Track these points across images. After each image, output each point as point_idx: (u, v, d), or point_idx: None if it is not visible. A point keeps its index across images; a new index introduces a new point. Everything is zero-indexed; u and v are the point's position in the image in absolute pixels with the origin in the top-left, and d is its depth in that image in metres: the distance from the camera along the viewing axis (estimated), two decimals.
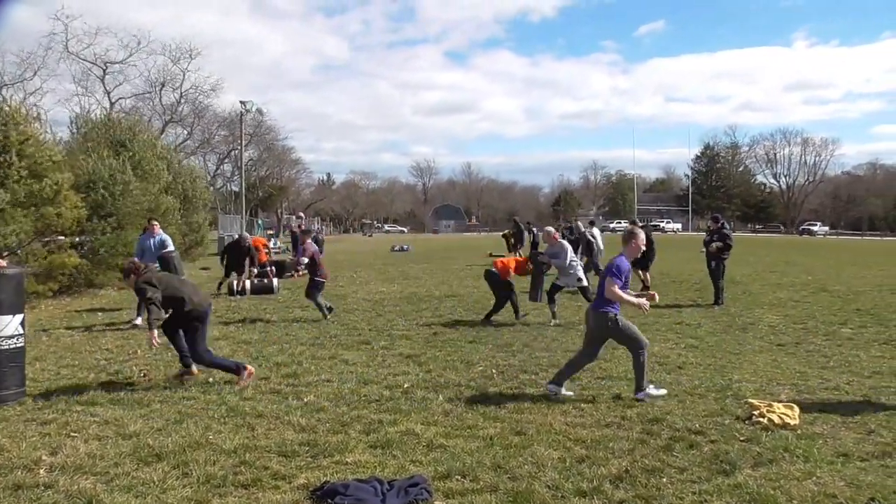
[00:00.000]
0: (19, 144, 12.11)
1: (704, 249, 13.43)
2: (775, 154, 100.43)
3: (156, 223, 11.83)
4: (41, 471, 4.19)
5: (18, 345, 6.05)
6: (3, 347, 5.90)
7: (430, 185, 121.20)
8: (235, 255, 14.67)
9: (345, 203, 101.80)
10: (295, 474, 4.15)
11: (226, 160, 62.78)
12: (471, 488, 3.96)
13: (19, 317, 6.07)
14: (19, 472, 4.17)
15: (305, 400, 5.90)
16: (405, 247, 37.13)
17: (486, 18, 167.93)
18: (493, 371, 7.15)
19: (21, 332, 6.08)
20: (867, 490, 4.00)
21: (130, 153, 16.99)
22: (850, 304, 12.84)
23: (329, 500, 3.68)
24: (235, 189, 64.01)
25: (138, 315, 10.29)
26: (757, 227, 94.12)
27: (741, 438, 4.96)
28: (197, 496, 3.81)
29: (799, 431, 5.12)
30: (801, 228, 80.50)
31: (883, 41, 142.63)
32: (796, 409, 5.56)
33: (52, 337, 9.49)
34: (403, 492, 3.73)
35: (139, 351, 8.31)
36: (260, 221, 61.62)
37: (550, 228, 11.66)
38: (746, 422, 5.34)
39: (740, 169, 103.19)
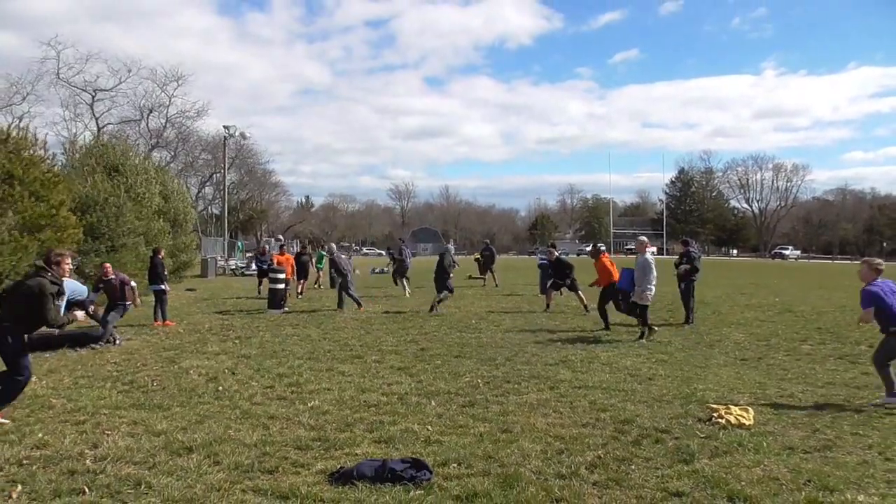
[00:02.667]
0: (23, 170, 12.58)
1: (676, 272, 14.21)
2: (748, 179, 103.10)
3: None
4: (87, 461, 4.75)
5: None
6: None
7: (409, 207, 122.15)
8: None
9: (323, 225, 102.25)
10: (312, 463, 4.76)
11: (207, 183, 63.19)
12: (466, 473, 4.59)
13: None
14: (68, 462, 4.73)
15: (311, 404, 6.49)
16: (385, 269, 37.57)
17: (464, 45, 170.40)
18: (479, 381, 7.77)
19: None
20: (805, 475, 4.68)
21: (124, 177, 17.45)
22: (812, 324, 13.66)
23: (343, 482, 4.29)
24: (216, 212, 64.37)
25: None
26: (732, 251, 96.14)
27: (701, 436, 5.63)
28: (230, 479, 4.41)
29: (753, 430, 5.80)
30: (773, 252, 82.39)
31: (848, 71, 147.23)
32: (751, 411, 6.26)
33: (58, 352, 9.93)
34: (406, 463, 4.40)
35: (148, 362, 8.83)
36: (240, 243, 61.75)
37: (643, 238, 12.37)
38: (707, 422, 6.01)
39: (714, 194, 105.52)
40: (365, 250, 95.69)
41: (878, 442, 5.51)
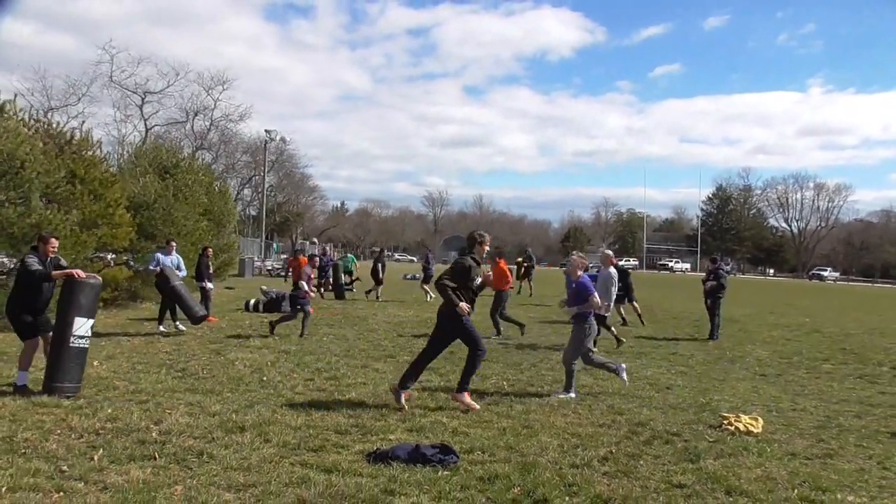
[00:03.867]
0: (85, 170, 13.46)
1: (704, 288, 14.52)
2: (787, 198, 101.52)
3: (174, 243, 13.28)
4: (153, 433, 5.37)
5: (84, 346, 6.87)
6: (73, 345, 6.71)
7: (442, 215, 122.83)
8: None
9: (357, 230, 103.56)
10: (351, 445, 5.32)
11: (247, 185, 64.64)
12: (489, 460, 5.10)
13: (91, 321, 6.96)
14: (137, 434, 5.36)
15: (348, 396, 7.06)
16: (417, 275, 38.22)
17: (505, 56, 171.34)
18: (505, 383, 8.27)
19: (89, 335, 6.94)
20: (802, 477, 5.07)
21: (174, 178, 18.35)
22: (837, 344, 13.84)
23: (380, 461, 4.84)
24: (253, 213, 65.87)
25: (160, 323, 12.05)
26: (769, 270, 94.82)
27: (710, 440, 6.04)
28: (280, 454, 5.00)
29: (760, 437, 6.18)
30: (810, 273, 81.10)
31: None
32: (761, 420, 6.64)
33: (113, 341, 10.67)
34: (435, 448, 4.95)
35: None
36: (276, 245, 63.07)
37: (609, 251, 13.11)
38: (717, 429, 6.41)
39: (752, 212, 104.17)
40: (397, 256, 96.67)
41: (879, 453, 5.84)
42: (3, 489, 4.09)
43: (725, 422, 6.57)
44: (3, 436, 5.18)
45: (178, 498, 4.04)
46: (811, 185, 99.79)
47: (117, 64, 39.77)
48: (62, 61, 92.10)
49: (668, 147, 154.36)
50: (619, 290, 16.38)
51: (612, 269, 11.82)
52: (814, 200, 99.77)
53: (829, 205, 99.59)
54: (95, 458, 4.75)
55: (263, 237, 47.69)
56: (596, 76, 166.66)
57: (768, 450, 5.75)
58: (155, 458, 4.77)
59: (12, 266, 12.98)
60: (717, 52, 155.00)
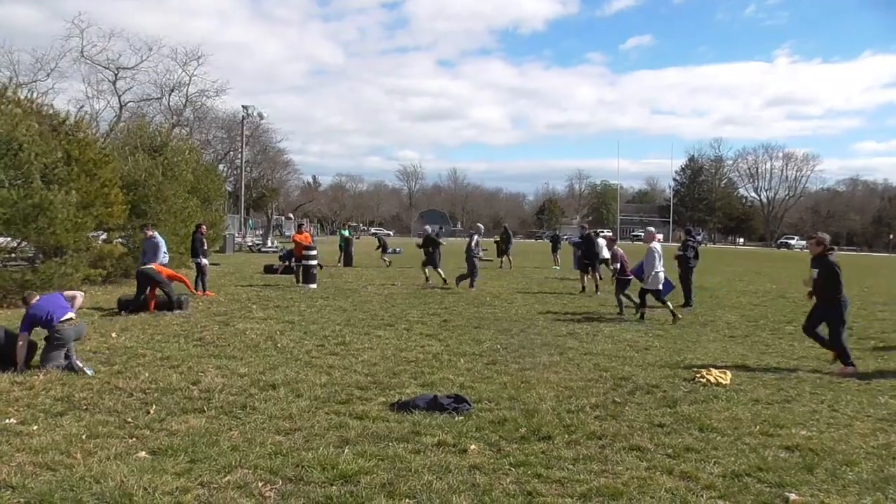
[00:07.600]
0: (80, 151, 13.82)
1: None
2: (757, 168, 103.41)
3: (147, 230, 13.47)
4: (195, 392, 6.02)
5: None
6: None
7: (416, 189, 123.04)
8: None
9: (332, 205, 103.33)
10: (373, 398, 6.04)
11: (222, 161, 64.21)
12: (496, 407, 5.86)
13: None
14: (180, 392, 6.00)
15: (360, 359, 7.76)
16: (397, 249, 38.86)
17: (477, 29, 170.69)
18: (499, 346, 9.03)
19: None
20: (763, 417, 5.89)
21: (163, 157, 18.67)
22: (800, 308, 14.75)
23: (402, 410, 5.55)
24: (228, 189, 65.59)
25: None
26: (739, 240, 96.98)
27: (685, 390, 6.85)
28: (314, 406, 5.69)
29: (728, 388, 7.00)
30: (778, 242, 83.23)
31: (863, 59, 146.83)
32: (729, 374, 7.47)
33: (123, 315, 11.19)
34: (450, 398, 5.65)
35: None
36: (251, 221, 63.02)
37: (651, 228, 13.69)
38: (691, 381, 7.22)
39: (723, 182, 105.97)
40: (373, 231, 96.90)
41: (830, 398, 6.70)
42: (84, 436, 4.73)
43: (698, 375, 7.39)
44: (62, 396, 5.81)
45: (239, 439, 4.71)
46: (780, 154, 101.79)
47: (87, 38, 38.75)
48: (25, 34, 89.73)
49: (640, 118, 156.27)
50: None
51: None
52: (782, 170, 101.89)
53: (797, 174, 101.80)
54: (152, 411, 5.39)
55: (243, 213, 47.83)
56: (568, 48, 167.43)
57: (735, 397, 6.57)
58: (204, 411, 5.44)
59: (16, 245, 13.39)
60: (687, 24, 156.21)
